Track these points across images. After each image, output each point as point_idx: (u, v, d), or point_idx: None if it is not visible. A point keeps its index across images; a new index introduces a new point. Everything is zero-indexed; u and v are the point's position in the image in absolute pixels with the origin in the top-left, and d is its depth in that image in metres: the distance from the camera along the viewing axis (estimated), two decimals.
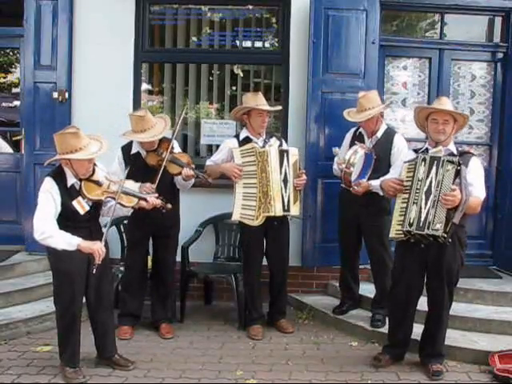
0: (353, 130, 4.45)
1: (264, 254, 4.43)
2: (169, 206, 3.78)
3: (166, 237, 4.29)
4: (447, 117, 3.54)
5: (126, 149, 4.18)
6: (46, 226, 3.29)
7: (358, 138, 4.33)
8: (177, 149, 4.25)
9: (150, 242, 4.37)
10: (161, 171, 3.97)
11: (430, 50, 5.21)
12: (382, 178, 3.84)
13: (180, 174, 4.06)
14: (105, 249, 3.39)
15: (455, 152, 3.59)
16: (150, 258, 4.44)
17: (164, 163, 4.00)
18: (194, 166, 4.10)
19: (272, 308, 4.56)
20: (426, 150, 3.64)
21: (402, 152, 4.11)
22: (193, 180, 4.18)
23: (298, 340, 4.26)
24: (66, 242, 3.31)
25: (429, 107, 3.70)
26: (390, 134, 4.31)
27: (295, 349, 4.09)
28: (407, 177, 3.54)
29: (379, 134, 4.27)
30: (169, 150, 4.02)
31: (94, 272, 3.34)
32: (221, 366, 3.75)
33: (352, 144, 4.22)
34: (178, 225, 4.38)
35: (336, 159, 4.31)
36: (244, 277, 4.46)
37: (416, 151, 3.72)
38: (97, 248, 3.32)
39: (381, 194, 3.90)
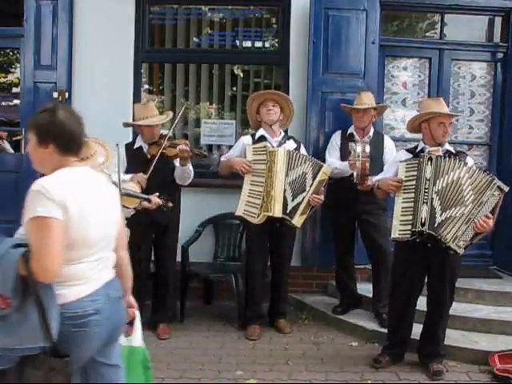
0: (339, 131, 4.54)
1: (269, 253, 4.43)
2: (170, 204, 3.78)
3: (164, 235, 4.27)
4: (451, 119, 3.66)
5: (130, 145, 4.23)
6: None
7: (348, 139, 4.41)
8: None
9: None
10: (156, 158, 3.94)
11: (430, 50, 5.22)
12: (377, 178, 3.84)
13: (177, 155, 4.02)
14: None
15: (453, 151, 3.64)
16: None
17: (162, 148, 3.98)
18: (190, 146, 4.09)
19: (272, 308, 4.57)
20: (422, 149, 3.65)
21: (393, 151, 4.35)
22: (191, 168, 4.14)
23: (297, 340, 4.26)
24: None
25: (441, 113, 3.60)
26: (379, 134, 4.52)
27: (295, 349, 4.09)
28: (407, 176, 3.53)
29: (371, 133, 4.43)
30: (167, 137, 4.03)
31: None
32: (221, 366, 3.75)
33: (343, 144, 4.38)
34: (177, 224, 4.36)
35: (331, 160, 4.36)
36: (246, 274, 4.47)
37: (410, 151, 3.75)
38: None
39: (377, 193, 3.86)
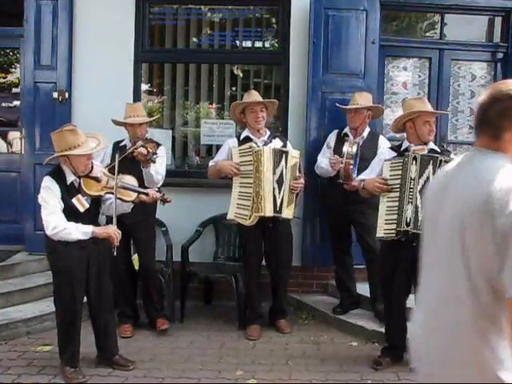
0: (335, 131, 4.54)
1: (264, 254, 4.41)
2: (169, 199, 3.77)
3: (135, 234, 4.24)
4: (435, 116, 3.65)
5: (117, 143, 4.26)
6: (56, 220, 3.30)
7: (342, 139, 4.41)
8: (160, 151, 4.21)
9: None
10: (122, 156, 3.82)
11: (430, 50, 5.22)
12: (361, 177, 3.79)
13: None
14: (119, 231, 3.41)
15: (438, 150, 3.67)
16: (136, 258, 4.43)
17: (134, 148, 3.97)
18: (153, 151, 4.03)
19: (272, 308, 4.56)
20: (407, 148, 3.64)
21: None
22: (152, 173, 4.01)
23: (298, 340, 4.26)
24: (81, 231, 3.34)
25: (427, 111, 3.62)
26: (374, 134, 4.48)
27: (295, 349, 4.09)
28: (391, 175, 3.53)
29: (365, 134, 4.41)
30: (144, 139, 4.06)
31: (115, 254, 3.41)
32: (221, 366, 3.75)
33: (337, 144, 4.37)
34: (148, 221, 4.30)
35: (321, 159, 4.39)
36: (243, 276, 4.47)
37: (394, 149, 3.73)
38: (112, 231, 3.39)
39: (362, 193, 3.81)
